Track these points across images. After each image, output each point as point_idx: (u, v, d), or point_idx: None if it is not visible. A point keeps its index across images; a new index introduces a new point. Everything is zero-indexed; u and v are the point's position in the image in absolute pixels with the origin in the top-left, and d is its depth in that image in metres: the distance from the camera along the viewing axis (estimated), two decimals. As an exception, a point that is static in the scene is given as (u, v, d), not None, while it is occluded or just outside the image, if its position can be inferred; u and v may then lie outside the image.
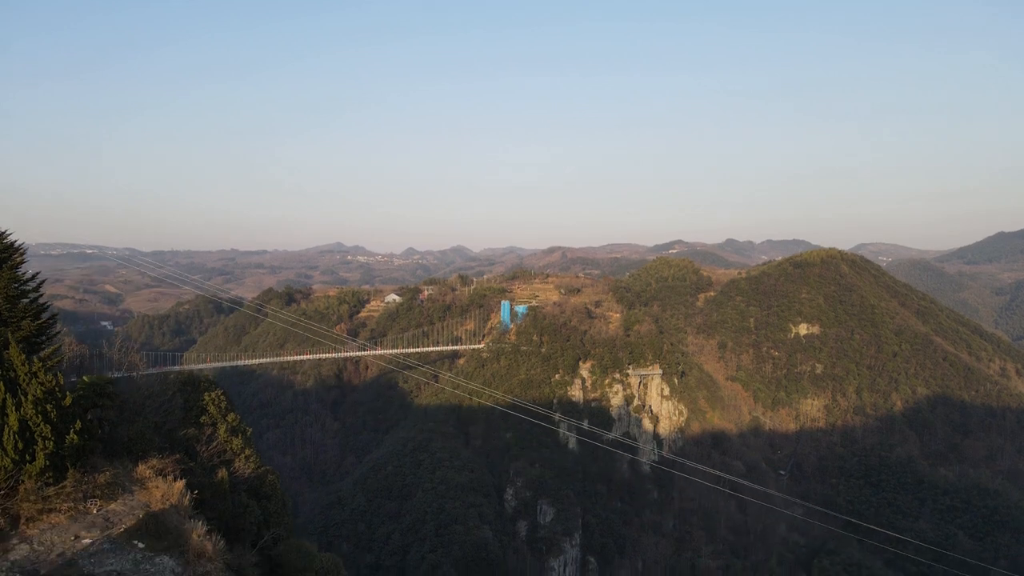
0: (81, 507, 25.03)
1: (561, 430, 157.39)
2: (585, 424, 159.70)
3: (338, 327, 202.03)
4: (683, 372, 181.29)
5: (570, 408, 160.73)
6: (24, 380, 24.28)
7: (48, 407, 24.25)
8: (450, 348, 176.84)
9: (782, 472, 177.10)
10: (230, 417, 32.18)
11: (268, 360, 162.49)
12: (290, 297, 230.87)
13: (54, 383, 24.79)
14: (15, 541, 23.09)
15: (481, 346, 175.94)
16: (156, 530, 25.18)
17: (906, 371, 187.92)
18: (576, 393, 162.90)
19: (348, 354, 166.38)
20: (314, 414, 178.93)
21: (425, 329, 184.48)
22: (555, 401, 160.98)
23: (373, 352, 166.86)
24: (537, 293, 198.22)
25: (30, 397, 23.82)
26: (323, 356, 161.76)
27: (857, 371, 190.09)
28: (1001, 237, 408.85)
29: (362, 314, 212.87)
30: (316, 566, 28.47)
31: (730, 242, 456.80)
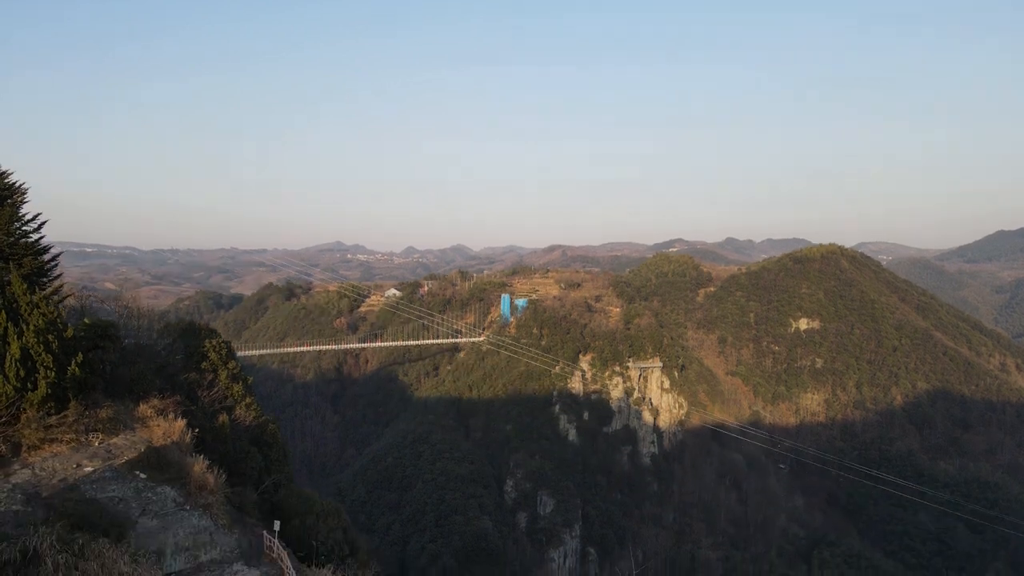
0: (83, 439, 25.09)
1: (561, 422, 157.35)
2: (585, 416, 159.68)
3: (338, 321, 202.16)
4: (683, 366, 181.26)
5: (570, 400, 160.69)
6: (26, 310, 24.34)
7: (50, 337, 24.32)
8: (450, 341, 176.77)
9: (782, 466, 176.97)
10: (231, 365, 32.25)
11: (268, 351, 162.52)
12: (290, 292, 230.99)
13: (56, 314, 24.85)
14: (16, 467, 23.15)
15: (481, 339, 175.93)
16: (157, 463, 25.25)
17: (906, 365, 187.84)
18: (576, 385, 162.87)
19: (348, 346, 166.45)
20: (314, 407, 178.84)
21: (425, 322, 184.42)
22: (555, 393, 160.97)
23: (373, 344, 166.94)
24: (537, 287, 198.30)
25: (31, 327, 23.89)
26: (323, 348, 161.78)
27: (857, 365, 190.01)
28: (1001, 236, 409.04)
29: (362, 309, 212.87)
30: (317, 510, 28.53)
31: (730, 241, 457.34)
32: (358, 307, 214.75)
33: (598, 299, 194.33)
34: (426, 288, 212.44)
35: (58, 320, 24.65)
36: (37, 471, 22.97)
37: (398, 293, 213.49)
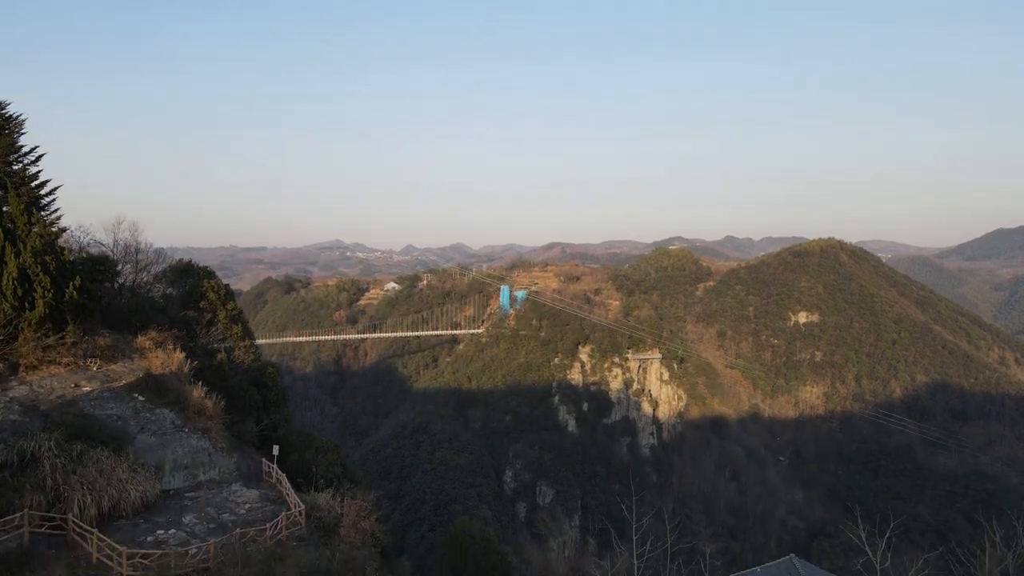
0: (81, 363, 25.01)
1: (561, 412, 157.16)
2: (584, 407, 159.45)
3: (337, 314, 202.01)
4: (682, 358, 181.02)
5: (569, 391, 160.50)
6: (23, 231, 24.26)
7: (47, 259, 24.23)
8: (449, 332, 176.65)
9: (782, 458, 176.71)
10: (229, 306, 32.15)
11: (268, 341, 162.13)
12: (289, 286, 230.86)
13: (54, 236, 24.76)
14: (14, 383, 23.06)
15: (480, 331, 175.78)
16: (156, 388, 25.17)
17: (905, 359, 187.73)
18: (575, 377, 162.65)
19: (348, 336, 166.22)
20: (314, 399, 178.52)
21: (424, 315, 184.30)
22: (554, 384, 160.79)
23: (372, 335, 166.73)
24: (536, 281, 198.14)
25: (28, 247, 23.79)
26: (323, 338, 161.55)
27: (856, 359, 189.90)
28: (1000, 234, 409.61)
29: (361, 302, 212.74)
30: (316, 445, 28.40)
31: (729, 239, 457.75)
32: (357, 300, 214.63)
33: (597, 292, 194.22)
34: (425, 281, 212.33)
35: (56, 243, 24.56)
36: (35, 388, 22.86)
37: (397, 286, 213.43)
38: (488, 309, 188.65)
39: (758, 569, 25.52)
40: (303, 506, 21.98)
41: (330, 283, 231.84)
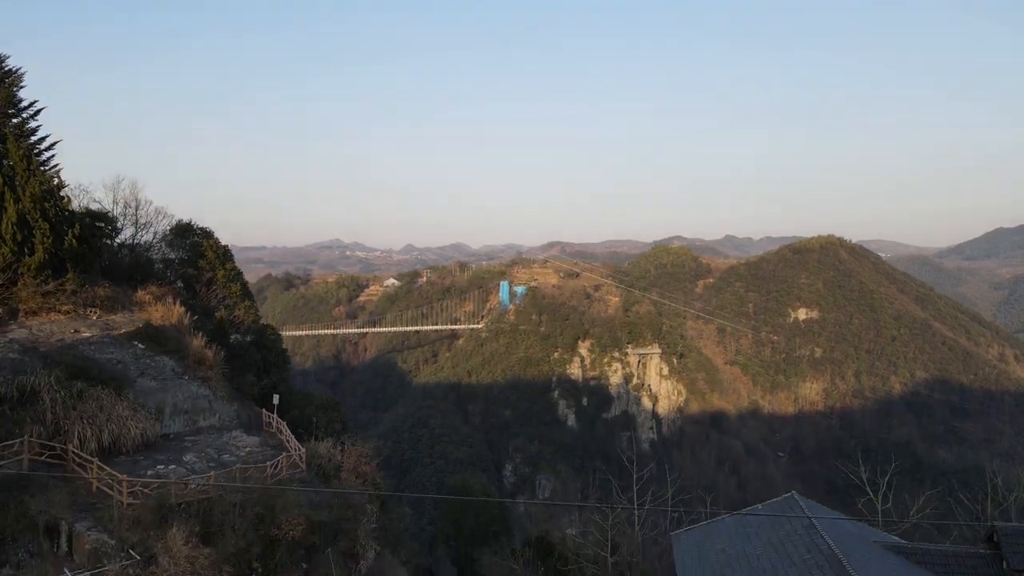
0: (81, 312, 24.91)
1: (560, 407, 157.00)
2: (584, 401, 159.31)
3: (336, 309, 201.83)
4: (682, 354, 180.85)
5: (569, 386, 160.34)
6: (22, 178, 24.18)
7: (46, 205, 24.15)
8: (449, 327, 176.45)
9: (781, 454, 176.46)
10: (228, 265, 32.08)
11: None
12: (289, 283, 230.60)
13: (53, 183, 24.69)
14: (14, 327, 22.96)
15: (480, 326, 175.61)
16: (156, 337, 25.07)
17: (905, 355, 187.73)
18: (575, 371, 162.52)
19: (348, 331, 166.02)
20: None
21: (424, 310, 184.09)
22: (554, 379, 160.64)
23: (373, 329, 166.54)
24: (536, 277, 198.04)
25: (28, 193, 23.72)
26: (322, 332, 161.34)
27: (856, 355, 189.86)
28: (1000, 233, 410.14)
29: (361, 298, 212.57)
30: (317, 403, 28.30)
31: (729, 238, 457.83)
32: (356, 297, 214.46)
33: (597, 288, 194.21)
34: (425, 278, 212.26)
35: (55, 190, 24.51)
36: (34, 331, 22.75)
37: (397, 283, 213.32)
38: (488, 304, 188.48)
39: (759, 506, 25.42)
40: (303, 450, 21.91)
41: (329, 279, 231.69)
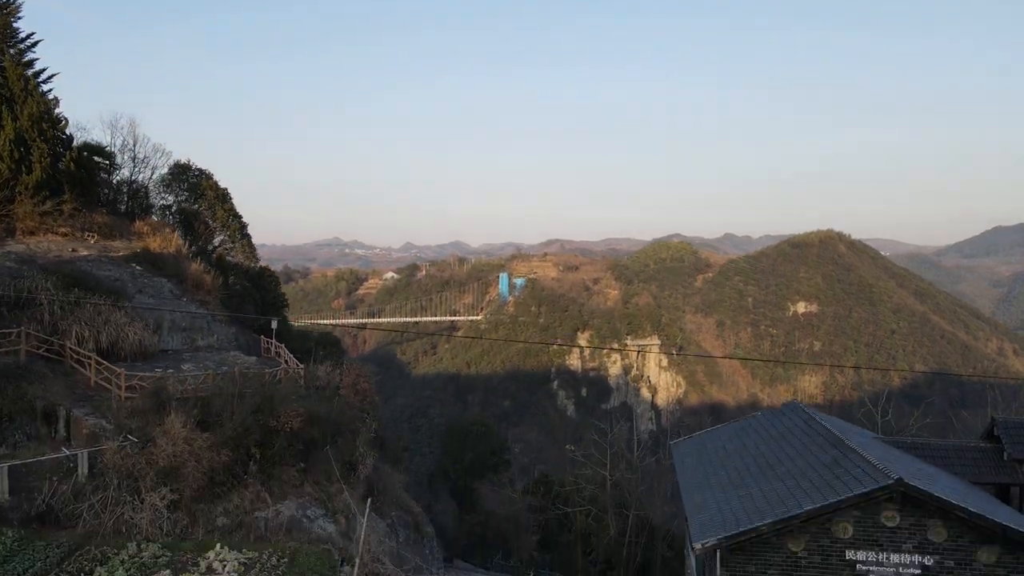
0: (79, 235, 24.74)
1: (559, 398, 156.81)
2: (583, 392, 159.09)
3: (336, 302, 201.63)
4: (681, 347, 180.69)
5: (568, 377, 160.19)
6: (19, 98, 24.03)
7: (44, 125, 24.00)
8: (448, 319, 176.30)
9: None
10: (227, 205, 31.92)
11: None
12: (288, 276, 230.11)
13: (52, 104, 24.54)
14: (11, 243, 22.78)
15: (479, 317, 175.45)
16: (154, 261, 24.91)
17: (904, 348, 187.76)
18: (574, 362, 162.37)
19: (347, 322, 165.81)
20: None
21: (423, 303, 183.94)
22: (553, 370, 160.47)
23: (371, 320, 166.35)
24: (536, 270, 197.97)
25: (26, 113, 23.57)
26: (320, 322, 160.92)
27: (855, 348, 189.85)
28: (998, 231, 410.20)
29: (360, 291, 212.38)
30: (316, 338, 28.13)
31: (728, 236, 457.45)
32: (356, 290, 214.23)
33: (596, 281, 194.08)
34: (424, 271, 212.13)
35: (52, 113, 24.35)
36: (32, 247, 22.58)
37: (396, 276, 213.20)
38: (487, 297, 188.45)
39: (758, 414, 25.40)
40: (303, 368, 21.76)
41: (328, 273, 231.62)
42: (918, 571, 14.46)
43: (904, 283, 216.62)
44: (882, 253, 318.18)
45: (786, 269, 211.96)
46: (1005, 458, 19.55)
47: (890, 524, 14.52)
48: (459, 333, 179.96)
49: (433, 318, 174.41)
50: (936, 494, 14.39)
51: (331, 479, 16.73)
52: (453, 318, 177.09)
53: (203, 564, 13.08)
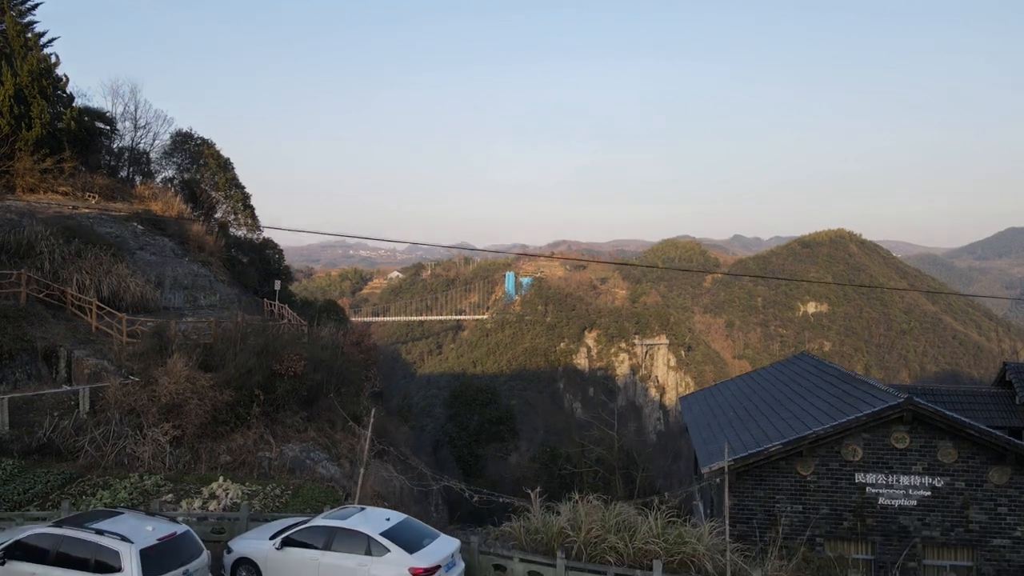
0: (79, 195, 24.25)
1: (566, 398, 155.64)
2: (591, 392, 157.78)
3: (340, 301, 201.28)
4: (689, 346, 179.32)
5: (575, 376, 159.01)
6: (19, 54, 23.61)
7: (44, 82, 23.55)
8: (454, 318, 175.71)
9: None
10: (229, 174, 31.42)
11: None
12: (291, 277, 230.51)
13: (52, 63, 24.10)
14: (10, 199, 22.29)
15: (485, 316, 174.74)
16: (155, 222, 24.36)
17: (915, 348, 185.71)
18: (582, 362, 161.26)
19: (352, 319, 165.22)
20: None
21: (428, 302, 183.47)
22: (560, 369, 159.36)
23: (376, 319, 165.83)
24: (542, 268, 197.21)
25: (26, 69, 23.13)
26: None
27: (866, 349, 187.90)
28: (1012, 232, 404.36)
29: (364, 291, 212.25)
30: (319, 306, 27.52)
31: (737, 238, 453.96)
32: (360, 289, 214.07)
33: (603, 280, 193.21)
34: (429, 271, 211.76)
35: (52, 70, 23.92)
36: (32, 204, 22.07)
37: (401, 275, 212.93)
38: (493, 296, 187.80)
39: (768, 367, 24.82)
40: (306, 324, 21.12)
41: (333, 273, 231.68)
42: (928, 493, 14.17)
43: (916, 283, 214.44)
44: (893, 254, 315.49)
45: (796, 268, 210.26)
46: (1017, 402, 19.72)
47: (900, 446, 14.21)
48: (465, 332, 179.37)
49: (439, 317, 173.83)
50: (947, 412, 14.06)
51: (335, 426, 16.08)
52: (459, 317, 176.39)
53: (206, 491, 12.68)
